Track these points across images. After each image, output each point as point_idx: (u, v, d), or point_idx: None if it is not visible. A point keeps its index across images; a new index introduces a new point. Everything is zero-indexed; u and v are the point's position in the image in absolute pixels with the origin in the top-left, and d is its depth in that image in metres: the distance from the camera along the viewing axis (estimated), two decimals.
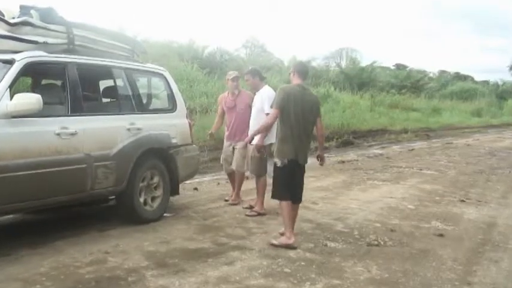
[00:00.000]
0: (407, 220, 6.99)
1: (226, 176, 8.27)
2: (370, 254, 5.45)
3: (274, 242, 5.61)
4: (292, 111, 5.58)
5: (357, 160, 13.55)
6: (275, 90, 7.05)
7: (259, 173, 7.10)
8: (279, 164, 5.65)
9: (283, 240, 5.58)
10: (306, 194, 8.26)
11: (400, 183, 10.05)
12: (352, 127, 20.25)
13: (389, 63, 50.71)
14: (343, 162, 12.94)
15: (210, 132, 8.00)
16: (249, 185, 8.78)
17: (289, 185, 5.67)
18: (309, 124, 5.75)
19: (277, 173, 5.70)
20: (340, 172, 11.28)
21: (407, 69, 44.69)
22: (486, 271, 5.14)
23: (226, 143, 7.74)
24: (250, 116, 7.51)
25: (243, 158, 7.41)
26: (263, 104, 6.91)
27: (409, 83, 38.04)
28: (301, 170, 5.79)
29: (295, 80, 5.84)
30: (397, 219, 7.00)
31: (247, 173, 7.66)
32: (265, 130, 6.12)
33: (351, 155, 14.90)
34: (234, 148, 7.55)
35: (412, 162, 13.19)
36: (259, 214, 6.89)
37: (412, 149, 16.80)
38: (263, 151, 6.61)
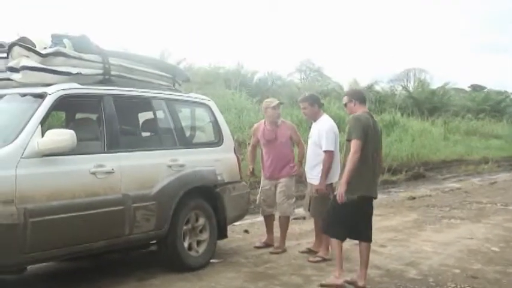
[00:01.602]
0: (492, 265, 6.76)
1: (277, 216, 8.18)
2: None
3: (323, 281, 5.74)
4: (371, 143, 5.65)
5: (430, 195, 13.32)
6: (335, 120, 7.09)
7: (322, 215, 6.97)
8: (345, 200, 5.58)
9: (331, 280, 5.70)
10: (372, 236, 8.14)
11: (481, 221, 9.78)
12: (423, 158, 19.94)
13: (464, 85, 49.96)
14: (413, 198, 12.73)
15: (251, 170, 7.74)
16: (304, 226, 8.71)
17: (351, 223, 5.71)
18: (379, 155, 5.91)
19: (339, 209, 5.64)
20: (411, 209, 11.06)
21: (486, 90, 43.97)
22: None
23: (264, 182, 7.57)
24: (291, 150, 7.48)
25: (287, 199, 7.34)
26: (320, 138, 6.81)
27: (488, 106, 37.38)
28: (372, 205, 5.90)
29: (360, 109, 5.88)
30: (480, 264, 6.78)
31: (306, 214, 7.58)
32: (353, 169, 5.55)
33: (422, 189, 14.68)
34: (275, 187, 7.45)
35: (495, 197, 12.85)
36: (323, 260, 6.78)
37: (495, 182, 16.39)
38: (327, 191, 6.69)
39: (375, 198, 5.90)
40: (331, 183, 6.84)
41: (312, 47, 78.12)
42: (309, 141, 7.06)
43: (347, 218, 5.67)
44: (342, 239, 5.82)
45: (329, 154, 6.71)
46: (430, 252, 7.35)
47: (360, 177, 5.57)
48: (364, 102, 5.98)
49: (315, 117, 7.09)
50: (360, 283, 5.68)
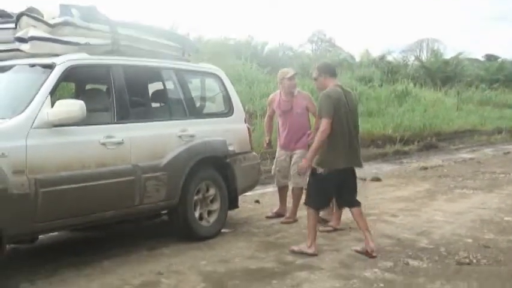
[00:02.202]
0: (504, 234, 6.72)
1: (291, 186, 8.18)
2: (460, 273, 5.25)
3: (295, 248, 5.89)
4: (343, 118, 5.76)
5: (442, 166, 13.27)
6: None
7: None
8: (322, 172, 5.78)
9: (303, 247, 5.84)
10: (384, 206, 8.18)
11: (494, 191, 9.71)
12: (436, 128, 19.82)
13: (478, 55, 49.34)
14: (425, 168, 12.69)
15: (267, 141, 7.74)
16: None
17: (330, 194, 6.05)
18: (357, 125, 6.02)
19: (320, 181, 5.83)
20: (423, 180, 11.02)
21: (500, 60, 43.39)
22: None
23: (280, 153, 7.54)
24: (307, 120, 7.43)
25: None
26: None
27: (502, 76, 36.96)
28: (354, 175, 6.10)
29: (330, 82, 5.97)
30: (492, 234, 6.74)
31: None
32: (319, 147, 5.77)
33: (434, 160, 14.64)
34: (290, 158, 7.43)
35: (508, 167, 12.73)
36: (335, 230, 6.79)
37: (508, 152, 16.26)
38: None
39: (359, 167, 6.10)
40: None
41: (324, 17, 77.47)
42: None
43: (324, 189, 5.87)
44: (319, 209, 6.08)
45: None
46: (442, 222, 7.32)
47: (334, 151, 5.74)
48: (334, 74, 6.06)
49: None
50: (369, 248, 5.71)
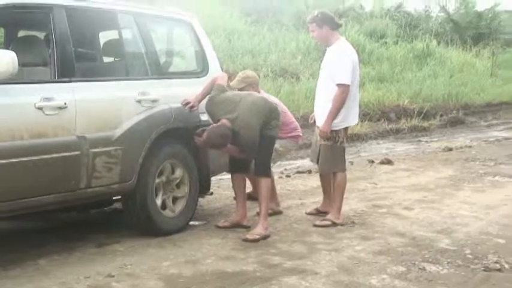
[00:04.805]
0: None
1: (279, 169, 8.18)
2: (489, 282, 5.31)
3: (249, 236, 6.25)
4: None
5: (470, 146, 13.33)
6: (354, 47, 7.11)
7: (334, 168, 6.97)
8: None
9: (260, 230, 6.33)
10: (396, 196, 8.25)
11: None
12: (464, 99, 19.89)
13: None
14: (449, 149, 12.76)
15: None
16: (310, 182, 8.74)
17: None
18: None
19: (272, 146, 6.60)
20: (446, 164, 11.09)
21: None
22: None
23: None
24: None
25: None
26: (332, 67, 6.76)
27: None
28: None
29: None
30: None
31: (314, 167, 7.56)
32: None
33: (460, 139, 14.73)
34: None
35: None
36: (333, 224, 6.80)
37: None
38: (335, 137, 6.77)
39: None
40: (347, 128, 6.86)
41: None
42: (320, 74, 6.99)
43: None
44: None
45: (342, 89, 6.61)
46: (468, 218, 7.36)
47: None
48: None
49: (327, 42, 6.96)
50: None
